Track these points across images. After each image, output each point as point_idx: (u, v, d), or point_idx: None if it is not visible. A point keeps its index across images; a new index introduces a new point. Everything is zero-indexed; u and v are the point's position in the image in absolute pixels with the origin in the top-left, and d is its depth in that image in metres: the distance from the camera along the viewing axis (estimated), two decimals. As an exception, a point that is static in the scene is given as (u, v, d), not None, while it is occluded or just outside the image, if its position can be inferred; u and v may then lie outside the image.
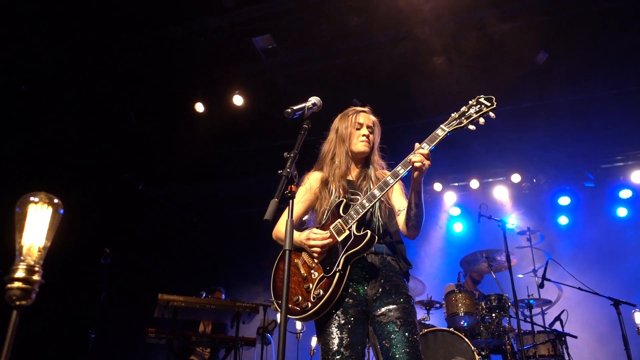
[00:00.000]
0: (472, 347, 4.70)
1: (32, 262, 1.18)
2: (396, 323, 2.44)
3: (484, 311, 5.41)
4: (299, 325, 6.35)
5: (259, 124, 7.17)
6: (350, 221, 2.53)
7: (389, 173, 2.67)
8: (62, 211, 1.25)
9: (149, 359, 7.92)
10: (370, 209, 2.61)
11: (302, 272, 2.61)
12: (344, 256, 2.46)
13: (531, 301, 5.63)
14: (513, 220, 6.61)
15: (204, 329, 6.37)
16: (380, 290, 2.53)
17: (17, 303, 1.17)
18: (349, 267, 2.48)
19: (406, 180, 2.58)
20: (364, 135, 2.83)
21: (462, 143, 7.11)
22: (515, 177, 7.94)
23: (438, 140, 2.48)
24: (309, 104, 2.44)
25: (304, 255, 2.65)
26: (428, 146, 2.45)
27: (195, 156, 7.99)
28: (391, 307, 2.49)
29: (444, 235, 8.47)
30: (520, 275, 6.32)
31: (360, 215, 2.51)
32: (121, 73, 6.60)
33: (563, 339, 5.23)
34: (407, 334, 2.42)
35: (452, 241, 8.35)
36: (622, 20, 5.60)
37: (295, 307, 2.53)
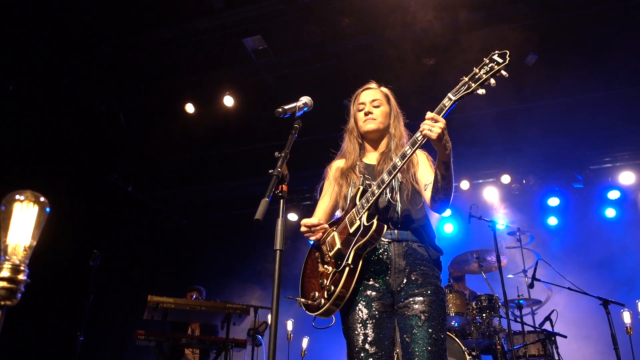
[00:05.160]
0: (463, 348, 4.71)
1: (17, 262, 1.16)
2: (420, 317, 2.27)
3: (474, 311, 5.42)
4: (289, 326, 6.34)
5: (250, 125, 7.15)
6: (361, 211, 2.39)
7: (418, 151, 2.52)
8: (48, 210, 1.23)
9: (139, 362, 7.86)
10: (389, 194, 2.48)
11: (320, 266, 2.52)
12: (353, 248, 2.32)
13: (521, 301, 5.65)
14: (503, 221, 6.64)
15: (192, 331, 6.33)
16: (405, 280, 2.37)
17: (2, 303, 1.15)
18: (361, 260, 2.34)
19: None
20: (364, 113, 2.69)
21: (453, 144, 7.14)
22: (505, 178, 7.98)
23: (445, 110, 2.26)
24: (300, 103, 2.41)
25: (323, 249, 2.56)
26: (432, 114, 2.27)
27: (185, 157, 7.96)
28: (417, 298, 2.32)
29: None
30: (510, 276, 6.34)
31: (370, 204, 2.37)
32: (110, 74, 6.55)
33: (553, 338, 5.25)
34: (430, 330, 2.25)
35: (442, 242, 8.35)
36: (611, 22, 5.66)
37: (313, 303, 2.43)
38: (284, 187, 2.12)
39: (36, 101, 6.58)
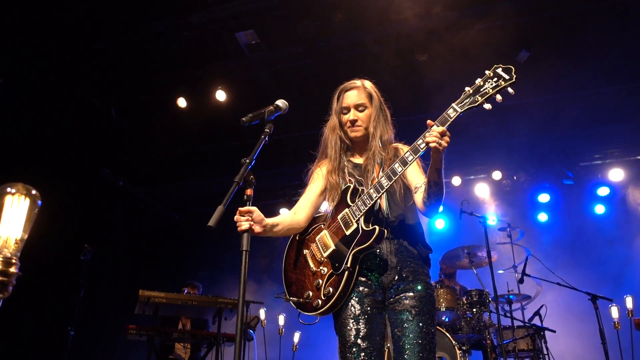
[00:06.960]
0: (453, 342, 4.75)
1: (8, 255, 1.16)
2: (411, 312, 2.35)
3: (465, 306, 5.47)
4: (281, 320, 6.35)
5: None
6: (357, 213, 2.42)
7: (400, 145, 2.58)
8: (40, 203, 1.23)
9: (130, 357, 7.85)
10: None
11: (312, 266, 2.52)
12: (352, 252, 2.36)
13: (511, 296, 5.71)
14: (494, 217, 6.69)
15: (183, 326, 6.32)
16: (396, 277, 2.42)
17: (-6, 296, 1.15)
18: (358, 263, 2.39)
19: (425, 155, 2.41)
20: (350, 121, 2.65)
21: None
22: (496, 175, 8.03)
23: (450, 122, 2.25)
24: (269, 108, 2.36)
25: (313, 248, 2.56)
26: (441, 127, 2.22)
27: (177, 152, 7.92)
28: (407, 294, 2.39)
29: (426, 231, 8.48)
30: (500, 271, 6.40)
31: (368, 207, 2.40)
32: (102, 68, 6.50)
33: (542, 333, 5.31)
34: (421, 324, 2.33)
35: (433, 237, 8.41)
36: (602, 20, 5.69)
37: (307, 303, 2.45)
38: (249, 192, 2.16)
39: (28, 95, 6.51)
